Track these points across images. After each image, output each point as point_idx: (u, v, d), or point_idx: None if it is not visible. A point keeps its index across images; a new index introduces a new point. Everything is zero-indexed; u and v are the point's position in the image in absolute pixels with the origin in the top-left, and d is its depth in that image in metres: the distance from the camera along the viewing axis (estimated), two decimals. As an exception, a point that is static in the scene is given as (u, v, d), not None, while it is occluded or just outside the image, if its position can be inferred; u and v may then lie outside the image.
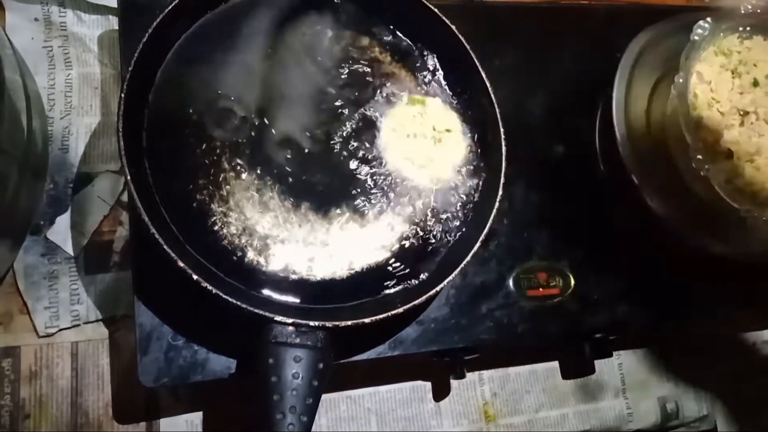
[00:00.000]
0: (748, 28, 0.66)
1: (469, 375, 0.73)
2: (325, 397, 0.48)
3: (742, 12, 0.64)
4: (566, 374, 0.79)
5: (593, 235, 0.69)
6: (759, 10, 0.64)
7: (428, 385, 0.75)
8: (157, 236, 0.48)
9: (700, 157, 0.58)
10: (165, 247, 0.48)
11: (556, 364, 0.79)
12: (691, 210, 0.65)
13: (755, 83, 0.64)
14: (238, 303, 0.48)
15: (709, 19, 0.62)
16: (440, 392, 0.75)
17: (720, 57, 0.65)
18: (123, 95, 0.50)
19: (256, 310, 0.49)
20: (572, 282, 0.66)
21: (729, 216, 0.61)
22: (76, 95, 0.69)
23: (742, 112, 0.64)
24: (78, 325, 0.65)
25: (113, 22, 0.71)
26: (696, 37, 0.62)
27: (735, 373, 0.88)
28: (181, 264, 0.48)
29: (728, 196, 0.60)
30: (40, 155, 0.64)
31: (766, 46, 0.66)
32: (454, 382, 0.74)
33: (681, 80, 0.60)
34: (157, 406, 0.64)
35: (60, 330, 0.64)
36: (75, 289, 0.65)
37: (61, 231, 0.66)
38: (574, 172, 0.70)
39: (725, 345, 0.89)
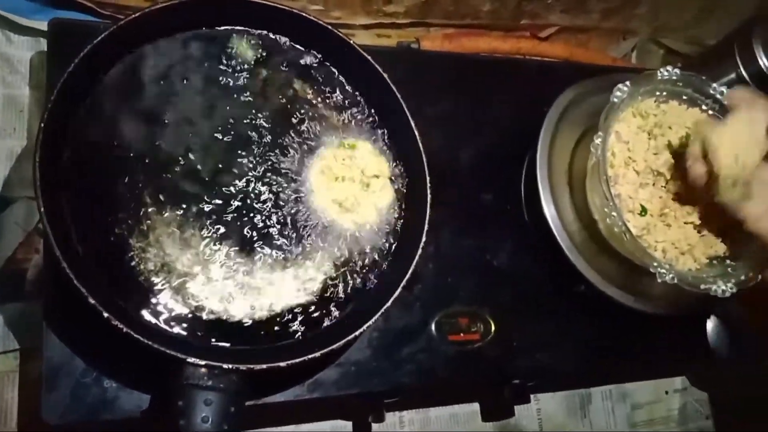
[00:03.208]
0: (664, 93, 0.69)
1: (390, 416, 0.73)
2: (241, 436, 0.48)
3: (659, 77, 0.67)
4: (486, 416, 0.80)
5: (515, 283, 0.70)
6: (674, 77, 0.68)
7: (349, 425, 0.74)
8: (67, 270, 0.47)
9: (614, 214, 0.61)
10: (76, 282, 0.46)
11: (476, 406, 0.80)
12: (608, 264, 0.67)
13: (669, 145, 0.68)
14: (149, 342, 0.47)
15: (628, 82, 0.65)
16: (361, 434, 0.74)
17: (638, 118, 0.68)
18: (43, 125, 0.48)
19: (168, 351, 0.47)
20: (492, 328, 0.67)
21: (642, 271, 0.64)
22: (-2, 117, 0.67)
23: (656, 172, 0.67)
24: (-18, 355, 0.62)
25: (44, 45, 0.69)
26: (615, 99, 0.64)
27: (650, 420, 0.92)
28: (91, 301, 0.46)
29: (640, 252, 0.62)
30: (-46, 177, 0.62)
31: (680, 110, 0.69)
32: (375, 424, 0.74)
33: (599, 139, 0.63)
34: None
35: (-38, 361, 0.62)
36: (-18, 318, 0.63)
37: (-29, 256, 0.63)
38: (500, 221, 0.72)
39: (640, 391, 0.92)
